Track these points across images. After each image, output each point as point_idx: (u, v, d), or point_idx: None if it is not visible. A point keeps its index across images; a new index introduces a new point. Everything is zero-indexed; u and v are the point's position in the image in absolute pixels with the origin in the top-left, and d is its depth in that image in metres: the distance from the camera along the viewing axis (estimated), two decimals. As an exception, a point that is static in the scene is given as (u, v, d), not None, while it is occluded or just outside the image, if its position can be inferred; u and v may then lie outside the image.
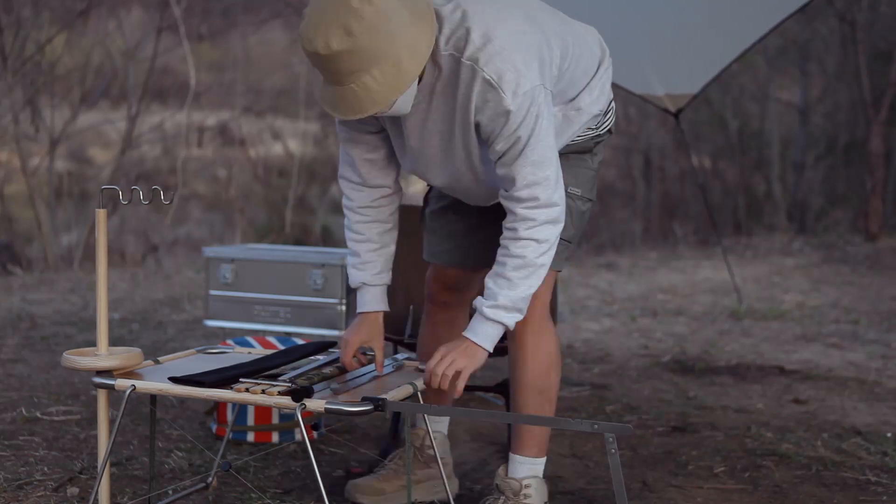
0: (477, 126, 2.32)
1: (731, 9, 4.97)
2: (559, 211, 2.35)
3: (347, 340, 2.54)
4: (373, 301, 2.60)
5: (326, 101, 2.22)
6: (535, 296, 2.43)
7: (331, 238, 14.24)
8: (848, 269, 9.13)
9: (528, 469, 2.57)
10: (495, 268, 2.37)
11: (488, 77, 2.22)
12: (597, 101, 2.54)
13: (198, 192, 15.00)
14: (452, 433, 3.55)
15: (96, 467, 2.57)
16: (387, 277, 2.63)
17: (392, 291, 3.47)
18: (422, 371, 2.57)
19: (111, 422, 2.42)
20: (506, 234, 2.35)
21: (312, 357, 2.62)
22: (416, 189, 16.52)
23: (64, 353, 2.42)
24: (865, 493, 3.00)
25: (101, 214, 2.37)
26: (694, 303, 7.06)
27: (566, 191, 2.45)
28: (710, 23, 5.06)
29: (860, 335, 5.79)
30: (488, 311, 2.35)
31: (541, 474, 2.59)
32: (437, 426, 2.90)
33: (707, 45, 5.33)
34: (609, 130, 2.65)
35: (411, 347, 3.30)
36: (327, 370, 2.42)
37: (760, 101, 15.56)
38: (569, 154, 2.54)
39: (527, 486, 2.55)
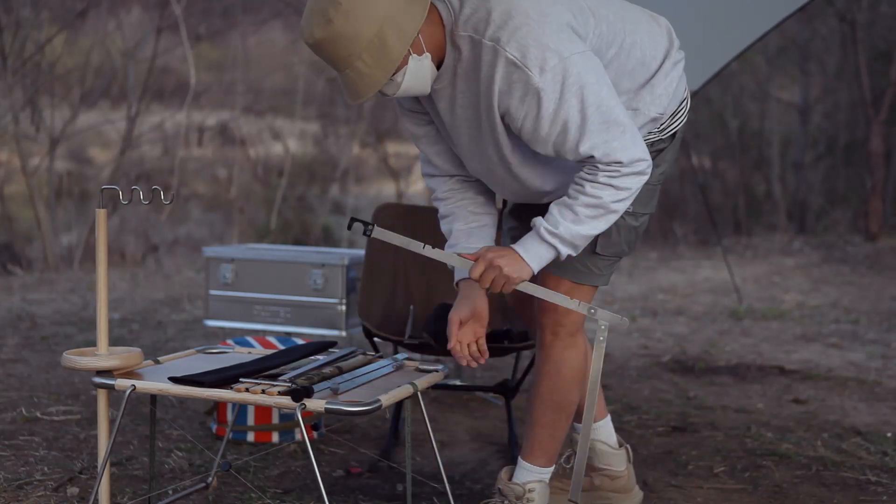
0: (505, 115, 2.20)
1: (731, 7, 4.97)
2: (646, 165, 2.20)
3: (451, 319, 2.43)
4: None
5: (340, 87, 2.22)
6: (570, 309, 2.38)
7: (331, 238, 14.25)
8: (848, 269, 9.14)
9: (534, 476, 2.55)
10: (565, 198, 2.24)
11: (511, 56, 2.12)
12: (658, 100, 2.36)
13: (198, 192, 15.01)
14: (452, 433, 3.55)
15: (96, 467, 2.57)
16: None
17: (392, 292, 3.48)
18: (422, 371, 2.57)
19: (111, 422, 2.42)
20: (584, 173, 2.21)
21: (312, 357, 2.62)
22: (416, 189, 16.52)
23: (64, 353, 2.42)
24: (865, 493, 3.00)
25: (101, 214, 2.37)
26: (694, 303, 7.06)
27: None
28: (709, 21, 5.05)
29: (860, 335, 5.79)
30: (546, 234, 2.23)
31: (547, 480, 2.57)
32: (598, 434, 2.74)
33: (707, 44, 5.33)
34: (673, 135, 2.45)
35: (411, 347, 3.30)
36: (327, 370, 2.42)
37: (760, 100, 15.56)
38: None
39: (530, 491, 2.53)
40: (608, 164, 2.17)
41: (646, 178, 2.23)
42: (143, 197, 2.41)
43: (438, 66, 2.26)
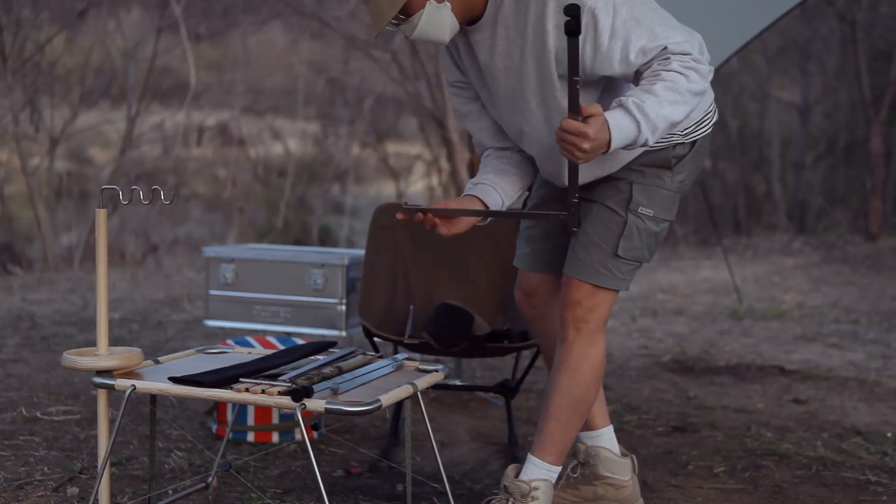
0: (560, 51, 2.27)
1: (730, 4, 4.97)
2: (709, 69, 2.27)
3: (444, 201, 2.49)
4: (475, 188, 2.52)
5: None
6: (592, 308, 2.44)
7: (330, 238, 14.25)
8: (848, 269, 9.14)
9: (541, 473, 2.53)
10: (640, 87, 2.24)
11: None
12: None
13: (198, 192, 15.01)
14: (452, 433, 3.55)
15: (96, 467, 2.57)
16: (496, 192, 2.53)
17: (392, 292, 3.48)
18: (422, 371, 2.57)
19: (111, 422, 2.42)
20: (656, 66, 2.25)
21: (312, 357, 2.62)
22: (416, 189, 16.51)
23: (64, 353, 2.42)
24: (865, 493, 3.00)
25: (101, 214, 2.37)
26: (694, 303, 7.06)
27: (636, 211, 2.44)
28: (708, 18, 5.05)
29: (860, 335, 5.79)
30: (633, 107, 2.19)
31: (553, 480, 2.57)
32: (598, 440, 2.75)
33: (706, 41, 5.34)
34: (694, 143, 2.48)
35: (411, 347, 3.30)
36: (327, 370, 2.42)
37: (760, 100, 15.57)
38: (643, 168, 2.45)
39: (535, 489, 2.51)
40: (679, 53, 2.24)
41: (707, 84, 2.27)
42: (143, 197, 2.41)
43: (474, 21, 2.38)
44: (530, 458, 2.54)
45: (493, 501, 2.54)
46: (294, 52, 14.54)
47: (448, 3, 2.32)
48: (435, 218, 2.40)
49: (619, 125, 2.19)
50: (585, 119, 2.15)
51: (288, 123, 15.66)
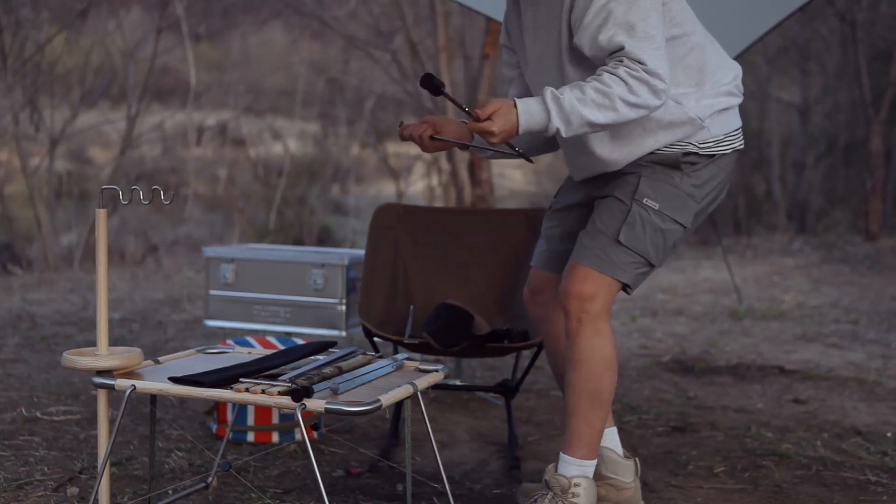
0: (573, 18, 2.37)
1: (731, 8, 4.96)
2: (664, 87, 2.31)
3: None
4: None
5: None
6: (593, 297, 2.45)
7: (330, 238, 14.25)
8: (848, 269, 9.14)
9: (577, 469, 2.53)
10: (580, 81, 2.35)
11: None
12: (702, 106, 2.48)
13: (198, 192, 15.01)
14: (452, 433, 3.55)
15: (96, 467, 2.57)
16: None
17: (392, 292, 3.48)
18: (422, 371, 2.57)
19: (111, 422, 2.42)
20: (606, 66, 2.34)
21: (312, 357, 2.62)
22: (415, 189, 16.51)
23: (64, 353, 2.42)
24: (865, 493, 3.00)
25: (101, 214, 2.37)
26: (694, 303, 7.06)
27: (641, 201, 2.46)
28: (709, 21, 5.05)
29: (860, 335, 5.79)
30: (548, 95, 2.32)
31: (591, 475, 2.55)
32: (604, 441, 2.73)
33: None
34: (711, 156, 2.53)
35: (411, 347, 3.30)
36: (327, 370, 2.42)
37: (760, 100, 15.56)
38: (653, 165, 2.50)
39: (576, 486, 2.51)
40: (633, 59, 2.30)
41: (659, 103, 2.33)
42: (143, 197, 2.41)
43: None
44: (562, 455, 2.54)
45: (536, 496, 2.54)
46: (294, 52, 14.54)
47: None
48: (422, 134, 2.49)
49: (528, 111, 2.32)
50: (488, 118, 2.31)
51: (288, 123, 15.66)
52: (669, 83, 2.33)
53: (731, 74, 2.57)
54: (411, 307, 3.42)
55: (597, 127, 2.34)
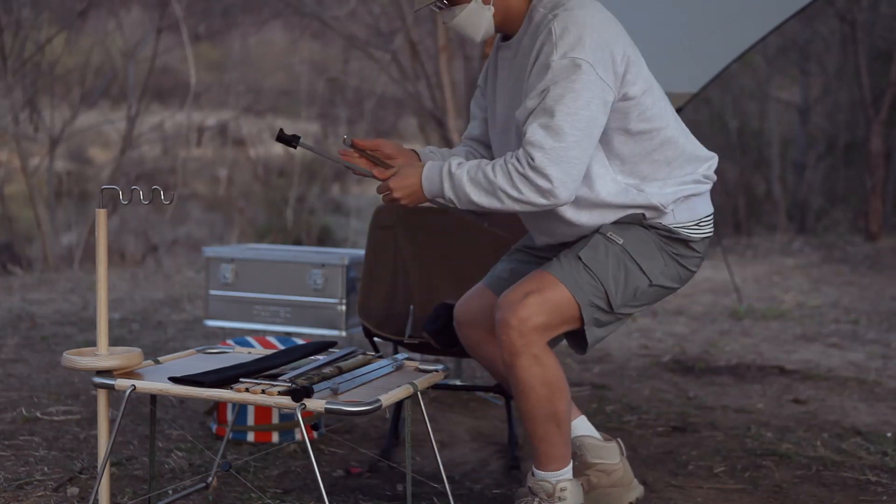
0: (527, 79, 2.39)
1: (732, 9, 4.97)
2: (549, 189, 2.29)
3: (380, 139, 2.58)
4: (421, 151, 2.65)
5: None
6: (525, 319, 2.37)
7: (330, 238, 14.24)
8: (848, 269, 9.13)
9: (556, 477, 2.53)
10: (484, 160, 2.41)
11: (553, 28, 2.33)
12: (664, 195, 2.47)
13: (198, 192, 15.01)
14: (452, 433, 3.55)
15: (96, 467, 2.57)
16: (438, 159, 2.64)
17: (392, 292, 3.48)
18: (422, 371, 2.57)
19: (111, 422, 2.42)
20: (508, 154, 2.37)
21: (312, 357, 2.62)
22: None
23: (64, 353, 2.42)
24: (865, 493, 3.00)
25: (101, 214, 2.37)
26: (694, 303, 7.06)
27: (606, 234, 2.44)
28: (710, 22, 5.05)
29: (860, 335, 5.79)
30: (446, 166, 2.39)
31: (571, 477, 2.55)
32: (576, 431, 2.74)
33: (707, 45, 5.33)
34: (676, 238, 2.50)
35: (411, 347, 3.30)
36: (327, 370, 2.42)
37: (760, 100, 15.56)
38: (617, 221, 2.49)
39: (562, 490, 2.52)
40: (526, 152, 2.31)
41: (547, 203, 2.33)
42: (143, 197, 2.41)
43: (509, 37, 2.50)
44: (537, 472, 2.53)
45: (522, 503, 2.54)
46: (294, 52, 14.54)
47: (492, 8, 2.43)
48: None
49: (429, 178, 2.42)
50: (387, 178, 2.43)
51: (288, 123, 15.65)
52: (566, 185, 2.30)
53: (703, 166, 2.56)
54: (411, 307, 3.42)
55: (485, 209, 2.38)
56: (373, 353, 2.69)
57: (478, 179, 2.35)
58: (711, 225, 2.58)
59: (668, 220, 2.48)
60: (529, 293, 2.41)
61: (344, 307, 3.79)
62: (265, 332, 3.90)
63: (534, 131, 2.30)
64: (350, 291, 3.81)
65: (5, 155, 11.41)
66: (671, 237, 2.50)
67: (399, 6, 11.12)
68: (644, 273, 2.47)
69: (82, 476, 2.98)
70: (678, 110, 6.71)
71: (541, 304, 2.40)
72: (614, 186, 2.45)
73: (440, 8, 2.45)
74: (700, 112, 14.50)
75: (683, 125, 2.58)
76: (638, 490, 2.74)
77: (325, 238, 14.16)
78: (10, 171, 11.64)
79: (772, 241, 11.87)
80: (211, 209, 15.02)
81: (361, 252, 3.80)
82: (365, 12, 11.95)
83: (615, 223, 2.48)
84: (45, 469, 3.04)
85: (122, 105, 12.80)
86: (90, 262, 9.99)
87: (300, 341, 3.49)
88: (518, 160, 2.32)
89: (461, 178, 2.37)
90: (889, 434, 3.65)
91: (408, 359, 2.66)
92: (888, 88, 11.76)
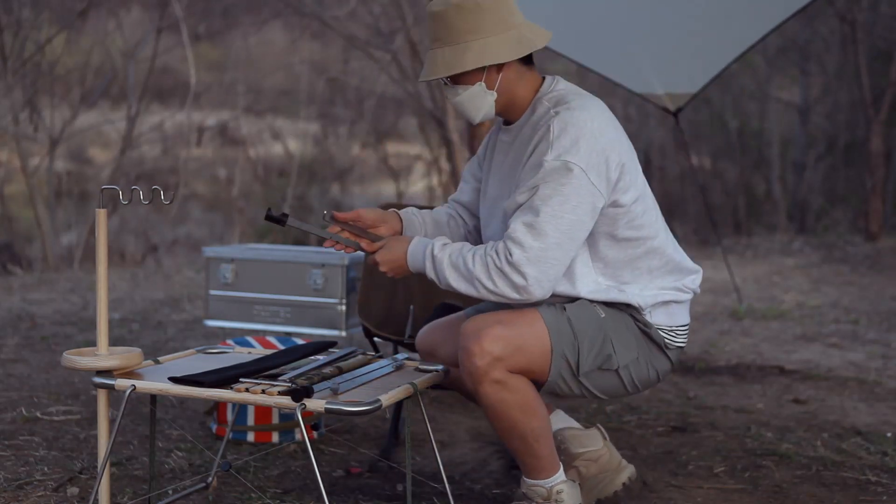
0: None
1: (732, 9, 4.97)
2: (524, 286, 2.32)
3: (361, 211, 2.60)
4: (403, 213, 2.68)
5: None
6: (488, 349, 2.35)
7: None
8: (848, 269, 9.13)
9: (549, 484, 2.54)
10: (468, 244, 2.45)
11: (552, 127, 2.37)
12: (644, 296, 2.51)
13: (198, 192, 15.01)
14: (452, 433, 3.55)
15: (96, 467, 2.57)
16: (419, 222, 2.68)
17: (392, 292, 3.48)
18: (421, 371, 2.57)
19: (111, 422, 2.42)
20: (491, 244, 2.39)
21: (312, 357, 2.62)
22: (415, 189, 16.50)
23: (64, 353, 2.42)
24: (865, 493, 3.00)
25: (101, 214, 2.37)
26: (694, 303, 7.02)
27: (592, 302, 2.46)
28: (710, 23, 5.05)
29: (860, 335, 5.79)
30: (432, 247, 2.43)
31: (564, 478, 2.55)
32: (556, 424, 2.77)
33: (707, 45, 5.33)
34: (651, 337, 2.54)
35: (411, 347, 3.30)
36: (327, 370, 2.42)
37: (760, 100, 15.56)
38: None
39: (559, 493, 2.52)
40: (506, 247, 2.33)
41: (520, 298, 2.35)
42: (143, 197, 2.41)
43: (510, 122, 2.54)
44: (528, 481, 2.53)
45: None
46: (294, 52, 14.54)
47: (495, 94, 2.45)
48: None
49: (414, 254, 2.47)
50: (375, 252, 2.51)
51: (288, 123, 15.66)
52: (542, 284, 2.33)
53: (687, 278, 2.62)
54: (411, 307, 3.42)
55: (462, 294, 2.41)
56: (373, 353, 2.69)
57: (458, 265, 2.38)
58: (686, 336, 2.62)
59: (645, 320, 2.53)
60: (501, 322, 2.40)
61: (344, 307, 3.79)
62: (265, 332, 3.89)
63: (516, 227, 2.33)
64: (350, 291, 3.81)
65: (5, 155, 11.41)
66: (649, 336, 2.53)
67: (399, 6, 11.12)
68: (616, 354, 2.48)
69: (82, 476, 2.98)
70: (678, 110, 6.76)
71: (508, 337, 2.38)
72: (595, 286, 2.48)
73: (445, 84, 2.48)
74: (700, 112, 14.51)
75: (672, 236, 2.63)
76: (628, 470, 2.75)
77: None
78: (10, 171, 11.64)
79: (772, 241, 11.87)
80: (211, 209, 15.03)
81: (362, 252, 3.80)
82: (365, 12, 11.95)
83: (602, 301, 2.50)
84: (45, 469, 3.04)
85: (122, 105, 12.80)
86: (90, 262, 9.99)
87: (300, 341, 3.50)
88: (497, 254, 2.34)
89: (442, 261, 2.40)
90: (889, 434, 3.65)
91: (408, 359, 2.66)
92: (888, 88, 11.75)
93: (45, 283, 7.83)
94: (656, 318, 2.53)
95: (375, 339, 3.33)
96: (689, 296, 2.61)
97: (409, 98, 12.16)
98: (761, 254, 10.45)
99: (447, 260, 2.40)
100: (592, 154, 2.35)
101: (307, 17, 12.18)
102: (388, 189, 15.64)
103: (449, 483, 2.70)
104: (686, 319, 2.62)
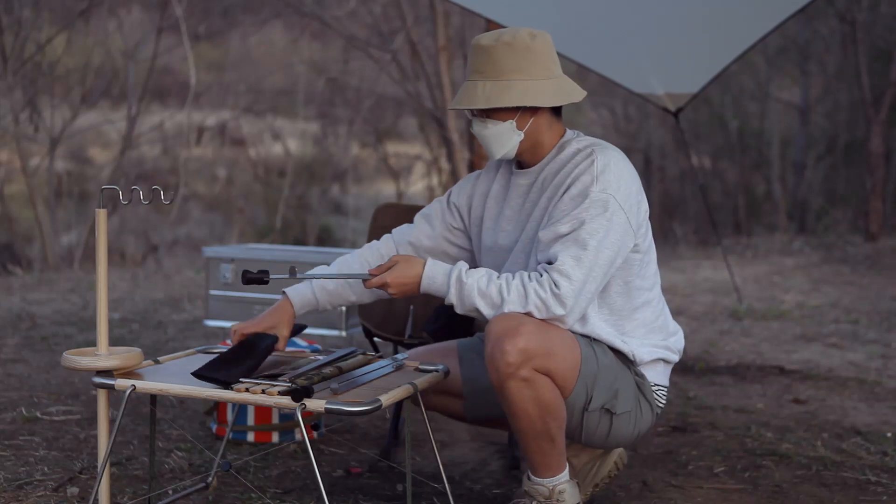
0: (554, 201, 2.45)
1: (732, 9, 4.96)
2: (561, 316, 2.36)
3: (243, 326, 2.55)
4: (301, 291, 2.64)
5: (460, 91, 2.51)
6: (521, 349, 2.33)
7: (330, 238, 14.25)
8: (848, 269, 9.14)
9: (552, 483, 2.54)
10: (496, 274, 2.43)
11: (596, 161, 2.42)
12: (638, 346, 2.54)
13: (198, 192, 15.02)
14: (452, 433, 3.55)
15: (96, 467, 2.57)
16: (326, 294, 2.64)
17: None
18: (422, 371, 2.57)
19: (111, 422, 2.42)
20: (530, 273, 2.40)
21: (312, 357, 2.62)
22: (415, 189, 16.49)
23: (64, 353, 2.42)
24: (865, 493, 3.00)
25: (101, 214, 2.37)
26: (694, 303, 7.06)
27: (594, 337, 2.48)
28: (710, 23, 5.05)
29: (860, 335, 5.79)
30: (458, 271, 2.41)
31: (569, 479, 2.55)
32: None
33: (707, 45, 5.33)
34: (638, 387, 2.57)
35: (411, 347, 3.30)
36: (327, 370, 2.42)
37: (760, 100, 15.57)
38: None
39: (560, 492, 2.52)
40: (552, 278, 2.35)
41: (553, 322, 2.38)
42: (143, 197, 2.41)
43: (524, 165, 2.56)
44: (532, 478, 2.53)
45: None
46: (294, 52, 14.54)
47: (522, 135, 2.47)
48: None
49: (432, 276, 2.44)
50: (382, 273, 2.46)
51: (288, 123, 15.67)
52: (575, 316, 2.37)
53: (672, 338, 2.64)
54: (411, 307, 3.42)
55: (480, 317, 2.42)
56: (373, 353, 2.69)
57: (489, 294, 2.38)
58: (664, 401, 2.64)
59: (643, 371, 2.56)
60: (536, 323, 2.39)
61: (344, 307, 3.79)
62: (265, 332, 3.89)
63: (565, 260, 2.35)
64: (350, 291, 3.80)
65: (5, 155, 11.41)
66: (642, 391, 2.56)
67: (399, 6, 11.13)
68: (618, 400, 2.51)
69: (82, 476, 2.98)
70: (678, 110, 6.75)
71: (542, 339, 2.38)
72: (602, 331, 2.50)
73: (474, 115, 2.50)
74: (700, 112, 14.52)
75: (663, 297, 2.68)
76: (615, 453, 2.76)
77: (324, 238, 14.17)
78: (10, 171, 11.64)
79: (772, 241, 11.88)
80: (211, 209, 15.04)
81: (361, 252, 3.79)
82: (365, 12, 11.96)
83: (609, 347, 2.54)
84: (45, 469, 3.04)
85: (122, 105, 12.81)
86: (90, 262, 10.00)
87: (300, 341, 3.50)
88: (540, 284, 2.35)
89: (472, 288, 2.39)
90: (889, 434, 3.65)
91: (408, 359, 2.66)
92: (888, 88, 11.76)
93: (45, 283, 7.83)
94: (650, 375, 2.58)
95: (375, 339, 3.33)
96: (675, 358, 2.65)
97: (409, 98, 12.17)
98: (761, 254, 10.45)
99: (476, 288, 2.40)
100: (630, 195, 2.43)
101: (307, 17, 12.19)
102: (388, 189, 15.65)
103: (449, 483, 2.70)
104: (667, 382, 2.65)
